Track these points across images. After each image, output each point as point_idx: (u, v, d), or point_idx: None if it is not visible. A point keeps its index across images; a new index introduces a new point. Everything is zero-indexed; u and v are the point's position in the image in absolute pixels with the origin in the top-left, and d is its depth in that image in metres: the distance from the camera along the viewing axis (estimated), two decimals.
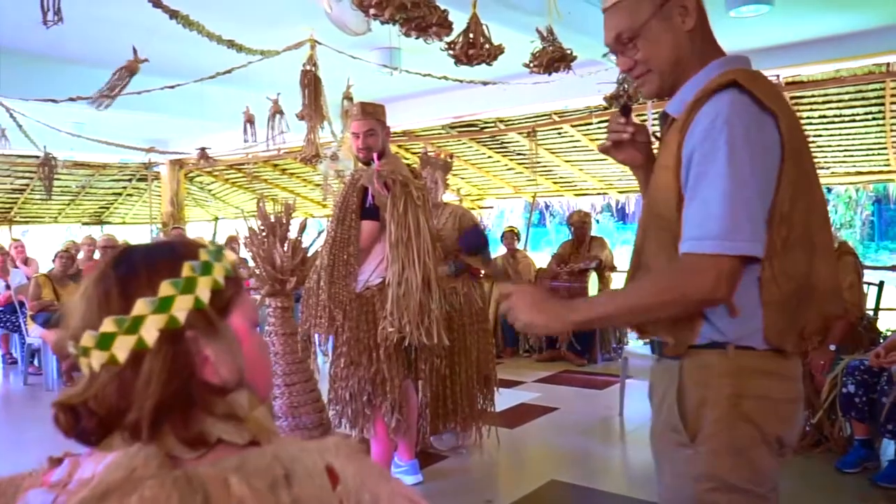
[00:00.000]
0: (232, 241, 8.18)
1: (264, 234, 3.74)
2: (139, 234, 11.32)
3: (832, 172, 6.94)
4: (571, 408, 4.77)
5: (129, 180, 11.40)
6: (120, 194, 11.65)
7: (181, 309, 0.74)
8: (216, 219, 12.24)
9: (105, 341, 0.72)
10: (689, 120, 1.27)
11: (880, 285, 4.26)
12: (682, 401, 1.29)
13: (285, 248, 3.74)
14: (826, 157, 6.70)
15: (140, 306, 0.73)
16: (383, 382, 3.06)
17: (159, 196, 11.04)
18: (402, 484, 0.79)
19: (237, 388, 0.78)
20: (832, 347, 3.59)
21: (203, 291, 0.77)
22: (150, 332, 0.72)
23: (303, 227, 4.00)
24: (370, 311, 3.06)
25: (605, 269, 6.38)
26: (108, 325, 0.72)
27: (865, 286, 3.96)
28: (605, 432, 4.31)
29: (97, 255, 6.99)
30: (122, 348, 0.72)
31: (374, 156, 3.10)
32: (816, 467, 3.47)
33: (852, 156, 6.64)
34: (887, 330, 3.99)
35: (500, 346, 6.54)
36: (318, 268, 3.15)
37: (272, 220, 3.74)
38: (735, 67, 1.31)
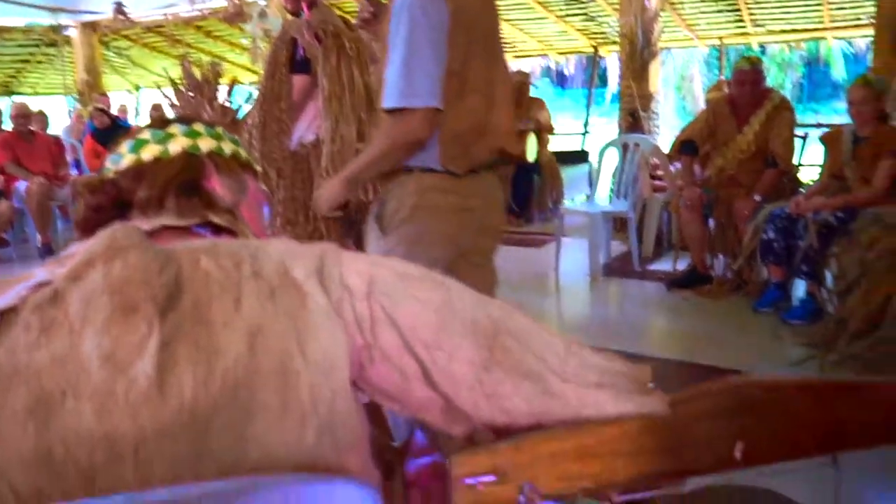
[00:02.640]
0: (157, 111, 7.77)
1: (191, 94, 3.56)
2: (54, 104, 10.60)
3: (768, 30, 6.96)
4: (510, 265, 4.90)
5: (37, 46, 10.52)
6: (28, 61, 10.78)
7: (205, 144, 0.95)
8: (138, 88, 11.55)
9: (138, 145, 0.92)
10: (391, 5, 1.64)
11: (804, 137, 4.42)
12: (382, 208, 1.75)
13: (214, 110, 3.58)
14: (763, 12, 6.68)
15: (173, 128, 0.95)
16: (321, 241, 3.06)
17: (73, 63, 10.26)
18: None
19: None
20: (757, 198, 3.76)
21: (226, 146, 0.97)
22: (174, 148, 0.93)
23: (231, 88, 3.81)
24: (305, 168, 3.01)
25: (543, 130, 6.38)
26: (144, 134, 0.94)
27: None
28: (541, 286, 4.50)
29: (6, 126, 6.55)
30: (148, 153, 0.92)
31: (304, 6, 2.92)
32: (736, 309, 3.73)
33: (788, 12, 6.64)
34: (809, 181, 4.17)
35: None
36: (249, 126, 3.05)
37: (198, 79, 3.55)
38: None
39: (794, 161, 4.14)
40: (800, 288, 3.63)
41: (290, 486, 0.68)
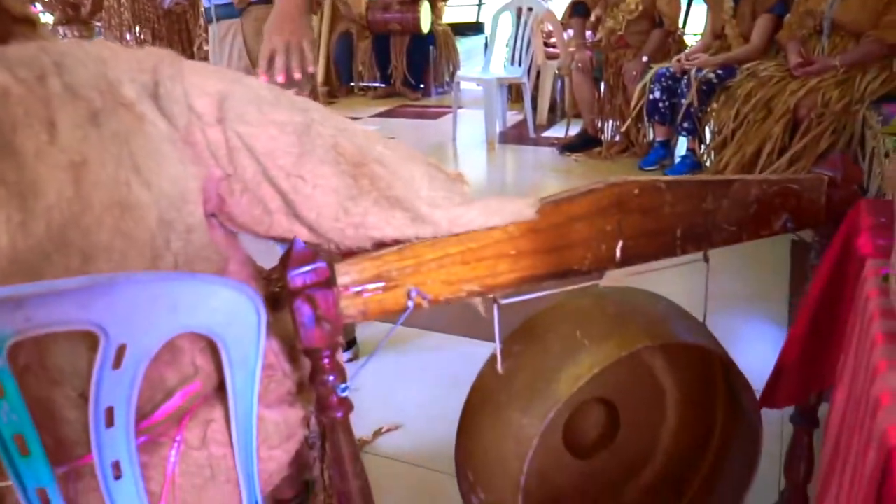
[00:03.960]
0: None
1: None
2: None
3: None
4: (408, 136, 4.86)
5: None
6: None
7: None
8: None
9: None
10: None
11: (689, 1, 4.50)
12: (246, 44, 1.74)
13: None
14: None
15: None
16: None
17: None
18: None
19: None
20: (645, 59, 3.82)
21: None
22: None
23: None
24: (184, 30, 2.78)
25: None
26: None
27: None
28: (439, 155, 4.48)
29: None
30: None
31: None
32: (623, 169, 3.88)
33: None
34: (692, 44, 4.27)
35: (335, 86, 6.35)
36: None
37: None
38: None
39: (680, 22, 4.20)
40: (682, 145, 3.79)
41: (159, 283, 0.64)
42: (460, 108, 4.76)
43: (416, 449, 1.71)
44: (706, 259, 1.04)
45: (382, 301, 0.86)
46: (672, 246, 0.98)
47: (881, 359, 0.65)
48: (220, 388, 0.77)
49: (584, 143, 4.18)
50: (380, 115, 5.60)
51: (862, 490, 0.59)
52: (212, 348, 0.76)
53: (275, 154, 0.75)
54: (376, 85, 6.36)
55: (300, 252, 0.79)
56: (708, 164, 3.44)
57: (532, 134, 4.67)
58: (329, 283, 0.81)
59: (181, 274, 0.68)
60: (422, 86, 6.20)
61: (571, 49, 4.22)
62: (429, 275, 0.87)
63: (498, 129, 4.70)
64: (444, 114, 5.38)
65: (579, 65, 4.02)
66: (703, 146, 3.57)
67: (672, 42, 4.00)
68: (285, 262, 0.80)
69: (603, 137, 4.18)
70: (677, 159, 3.74)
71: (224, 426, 0.77)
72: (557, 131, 4.72)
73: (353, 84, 6.46)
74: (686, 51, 3.81)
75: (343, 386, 0.84)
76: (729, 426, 1.20)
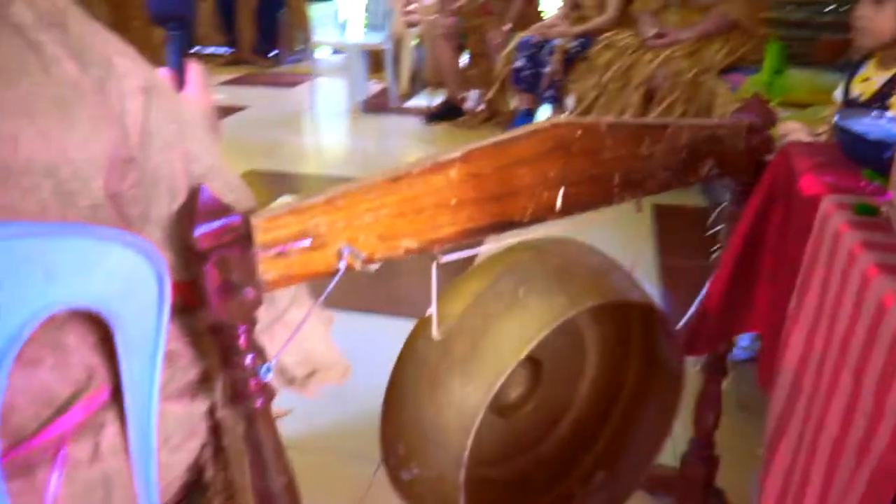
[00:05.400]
0: None
1: None
2: None
3: None
4: (262, 105, 4.56)
5: None
6: None
7: None
8: None
9: None
10: None
11: None
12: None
13: None
14: None
15: None
16: None
17: None
18: None
19: None
20: (507, 27, 3.82)
21: None
22: None
23: None
24: None
25: None
26: None
27: None
28: (298, 125, 4.25)
29: None
30: None
31: None
32: (488, 137, 3.86)
33: None
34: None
35: None
36: None
37: None
38: None
39: None
40: (546, 113, 3.83)
41: (29, 238, 0.49)
42: (318, 76, 4.54)
43: (308, 433, 1.58)
44: (639, 209, 0.99)
45: (309, 262, 0.72)
46: (610, 193, 0.93)
47: (887, 292, 0.61)
48: (115, 388, 0.62)
49: (448, 112, 4.13)
50: (226, 83, 5.20)
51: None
52: (106, 340, 0.59)
53: (191, 152, 0.64)
54: (222, 51, 5.92)
55: (208, 203, 0.63)
56: None
57: (395, 103, 4.55)
58: (245, 241, 0.66)
59: (61, 225, 0.52)
60: (276, 52, 5.85)
61: (433, 16, 4.14)
62: (362, 230, 0.75)
63: (359, 98, 4.54)
64: (299, 81, 5.11)
65: (442, 31, 3.95)
66: (565, 114, 3.63)
67: (535, 10, 4.03)
68: (190, 217, 0.64)
69: (467, 106, 4.15)
70: None
71: (119, 430, 0.61)
72: (420, 100, 4.64)
73: (193, 49, 5.95)
74: (546, 19, 3.84)
75: (265, 367, 0.70)
76: (644, 376, 1.18)
